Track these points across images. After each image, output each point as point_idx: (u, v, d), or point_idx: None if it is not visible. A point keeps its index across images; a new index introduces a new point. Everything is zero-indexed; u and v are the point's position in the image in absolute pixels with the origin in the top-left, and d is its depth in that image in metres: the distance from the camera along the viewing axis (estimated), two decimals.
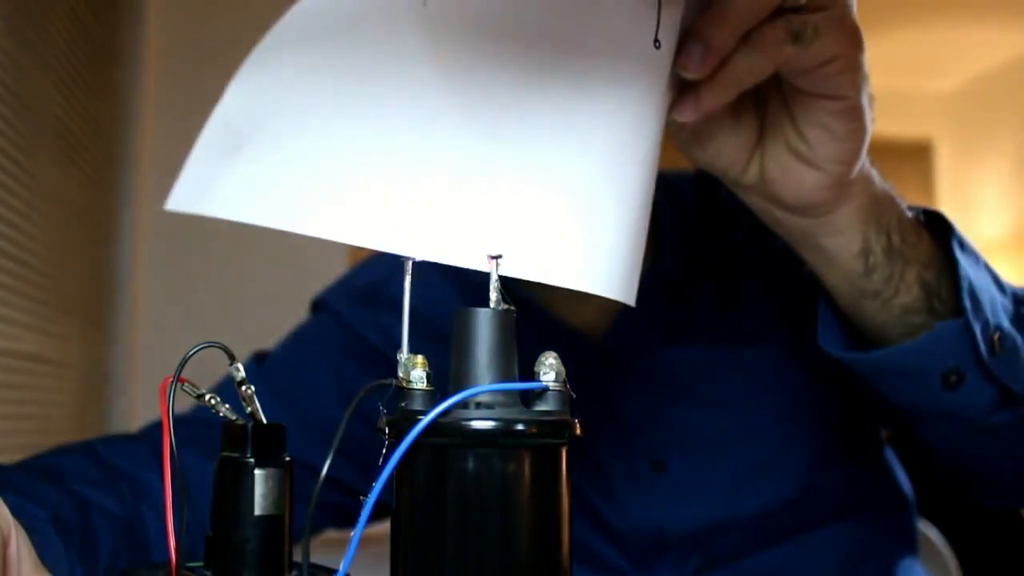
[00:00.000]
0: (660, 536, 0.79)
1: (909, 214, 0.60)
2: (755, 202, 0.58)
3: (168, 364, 0.44)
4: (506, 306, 0.40)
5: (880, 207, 0.57)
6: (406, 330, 0.41)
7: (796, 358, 0.80)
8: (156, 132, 1.89)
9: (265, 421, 0.47)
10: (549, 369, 0.40)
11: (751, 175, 0.56)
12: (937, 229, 0.61)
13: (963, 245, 0.61)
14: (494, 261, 0.41)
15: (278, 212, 0.46)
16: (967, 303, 0.58)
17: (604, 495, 0.80)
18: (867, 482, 0.85)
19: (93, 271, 1.64)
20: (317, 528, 0.86)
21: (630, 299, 0.48)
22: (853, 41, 0.50)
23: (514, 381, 0.40)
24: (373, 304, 0.88)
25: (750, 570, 0.80)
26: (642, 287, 0.83)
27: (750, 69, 0.49)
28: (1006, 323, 0.61)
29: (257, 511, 0.45)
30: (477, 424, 0.38)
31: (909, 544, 0.87)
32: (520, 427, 0.38)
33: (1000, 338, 0.59)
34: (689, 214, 0.85)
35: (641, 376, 0.81)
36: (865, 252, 0.57)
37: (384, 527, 0.41)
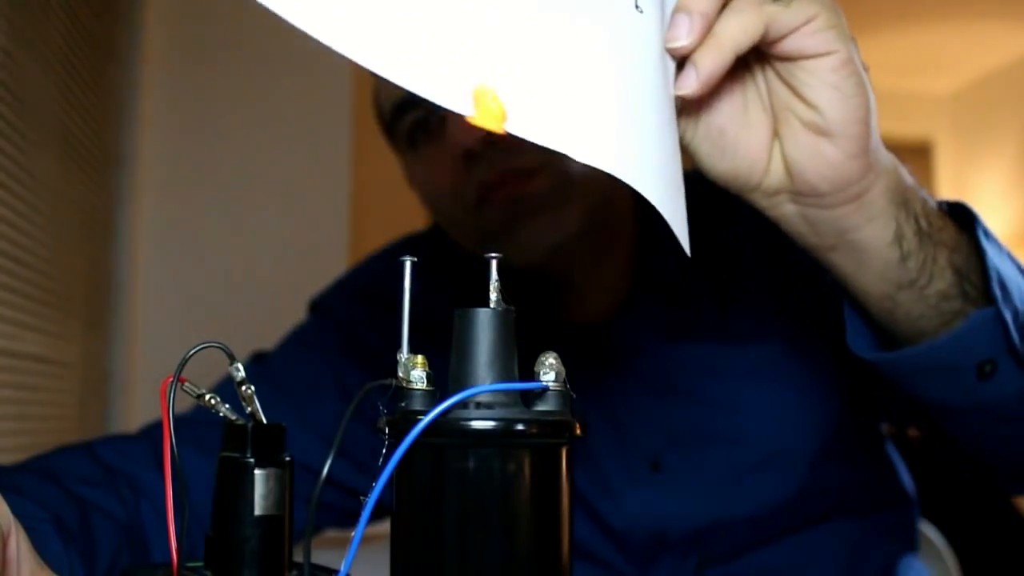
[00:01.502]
0: (658, 535, 0.79)
1: (930, 199, 0.60)
2: (788, 211, 0.58)
3: (168, 364, 0.44)
4: (506, 306, 0.40)
5: (907, 190, 0.57)
6: (406, 330, 0.41)
7: (794, 358, 0.80)
8: (155, 131, 1.89)
9: (265, 421, 0.47)
10: (549, 369, 0.40)
11: (775, 172, 0.56)
12: (959, 219, 0.61)
13: (987, 234, 0.61)
14: (493, 261, 0.41)
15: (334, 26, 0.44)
16: (996, 291, 0.58)
17: (602, 494, 0.80)
18: (866, 480, 0.85)
19: (93, 271, 1.64)
20: (318, 528, 0.86)
21: (677, 224, 0.49)
22: (828, 2, 0.51)
23: (514, 381, 0.40)
24: (370, 305, 0.89)
25: (748, 568, 0.80)
26: (641, 285, 0.83)
27: (740, 28, 0.50)
28: None
29: (257, 511, 0.45)
30: (477, 424, 0.38)
31: (909, 542, 0.87)
32: (520, 427, 0.38)
33: None
34: (689, 213, 0.85)
35: (639, 375, 0.81)
36: (899, 237, 0.57)
37: (384, 527, 0.41)
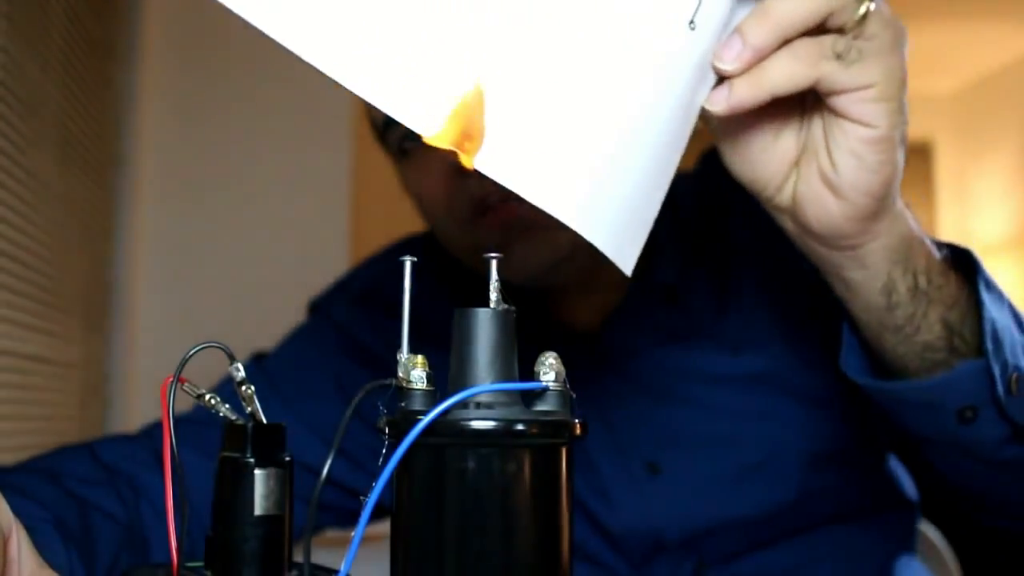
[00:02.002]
0: (656, 538, 0.79)
1: (937, 254, 0.60)
2: (787, 226, 0.59)
3: (168, 364, 0.44)
4: (506, 306, 0.40)
5: (910, 249, 0.58)
6: (406, 330, 0.41)
7: (790, 363, 0.80)
8: (156, 132, 1.89)
9: (265, 421, 0.47)
10: (549, 369, 0.40)
11: (784, 196, 0.56)
12: (963, 265, 0.62)
13: (989, 285, 0.61)
14: (493, 261, 0.41)
15: (305, 38, 0.44)
16: (989, 345, 0.58)
17: (599, 497, 0.80)
18: (865, 485, 0.84)
19: (93, 271, 1.64)
20: (318, 528, 0.86)
21: (627, 266, 0.47)
22: (895, 76, 0.51)
23: (514, 381, 0.40)
24: (369, 307, 0.89)
25: (746, 571, 0.80)
26: (638, 289, 0.83)
27: (785, 75, 0.50)
28: None
29: (257, 511, 0.45)
30: (477, 424, 0.38)
31: (908, 544, 0.87)
32: (520, 427, 0.38)
33: (1018, 379, 0.60)
34: (687, 217, 0.85)
35: (635, 377, 0.81)
36: (888, 290, 0.58)
37: (384, 527, 0.41)
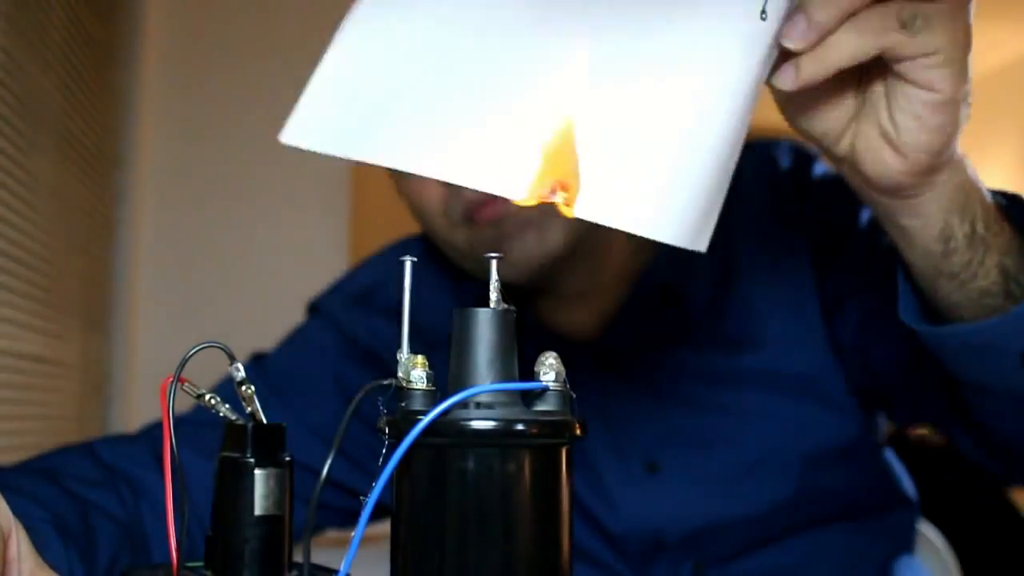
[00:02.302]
0: (655, 537, 0.79)
1: (991, 200, 0.60)
2: (844, 171, 0.59)
3: (168, 364, 0.44)
4: (506, 306, 0.40)
5: (967, 197, 0.58)
6: (406, 330, 0.41)
7: (789, 363, 0.80)
8: (156, 132, 1.89)
9: (265, 421, 0.47)
10: (549, 369, 0.40)
11: (843, 147, 0.56)
12: (1016, 212, 0.61)
13: None
14: (493, 262, 0.41)
15: (385, 149, 0.47)
16: None
17: (599, 497, 0.80)
18: (863, 485, 0.84)
19: (93, 271, 1.64)
20: (318, 528, 0.86)
21: (701, 245, 0.48)
22: (959, 40, 0.51)
23: (514, 381, 0.40)
24: (366, 307, 0.89)
25: (746, 570, 0.80)
26: (637, 289, 0.83)
27: (852, 49, 0.50)
28: None
29: (257, 511, 0.45)
30: (477, 424, 0.38)
31: (907, 543, 0.87)
32: (520, 427, 0.38)
33: None
34: None
35: (633, 377, 0.81)
36: (945, 236, 0.58)
37: (384, 527, 0.41)
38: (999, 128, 3.59)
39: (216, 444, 0.47)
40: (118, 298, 1.78)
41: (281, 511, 0.46)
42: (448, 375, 0.40)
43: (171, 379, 0.44)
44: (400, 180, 0.82)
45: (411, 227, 0.95)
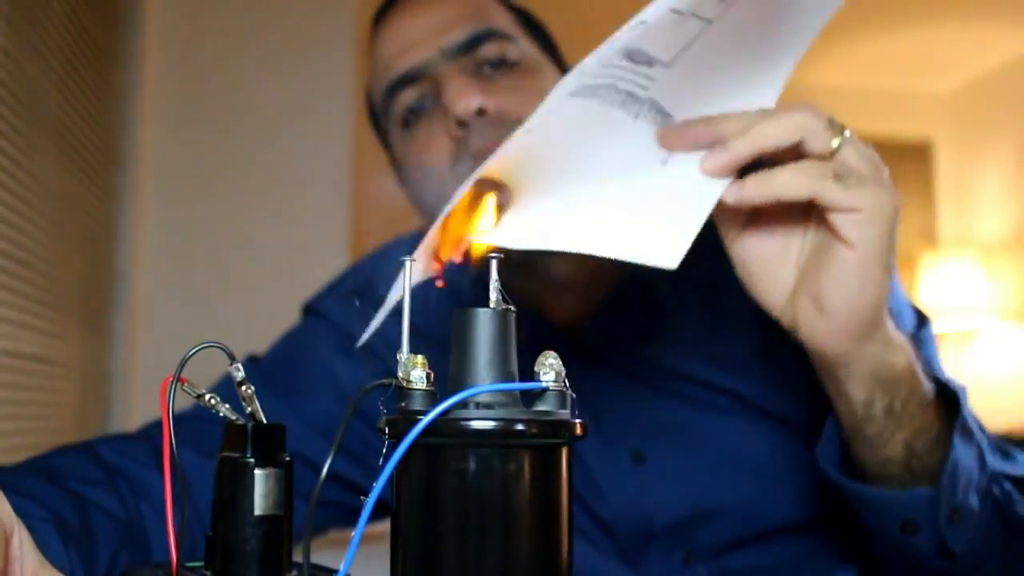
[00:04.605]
0: (646, 525, 0.79)
1: (928, 385, 0.65)
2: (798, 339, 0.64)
3: (168, 364, 0.44)
4: (506, 306, 0.40)
5: (895, 378, 0.63)
6: (406, 330, 0.41)
7: (768, 359, 0.80)
8: (156, 132, 1.89)
9: (265, 421, 0.47)
10: (549, 369, 0.40)
11: (788, 319, 0.63)
12: (950, 401, 0.67)
13: (965, 427, 0.66)
14: (493, 260, 0.41)
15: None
16: (946, 482, 0.64)
17: (588, 487, 0.81)
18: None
19: (93, 271, 1.64)
20: (319, 527, 0.86)
21: (673, 263, 0.56)
22: (881, 204, 0.57)
23: (514, 381, 0.40)
24: (359, 302, 0.89)
25: (739, 561, 0.80)
26: (617, 288, 0.84)
27: (788, 184, 0.57)
28: (973, 500, 0.66)
29: (257, 511, 0.45)
30: (477, 424, 0.38)
31: None
32: (520, 427, 0.38)
33: (961, 513, 0.65)
34: None
35: (620, 369, 0.82)
36: (867, 405, 0.63)
37: (384, 527, 0.41)
38: (999, 128, 3.59)
39: (216, 443, 0.47)
40: (118, 298, 1.78)
41: (281, 511, 0.46)
42: (448, 375, 0.40)
43: (171, 379, 0.44)
44: (405, 149, 0.83)
45: (411, 227, 0.96)
